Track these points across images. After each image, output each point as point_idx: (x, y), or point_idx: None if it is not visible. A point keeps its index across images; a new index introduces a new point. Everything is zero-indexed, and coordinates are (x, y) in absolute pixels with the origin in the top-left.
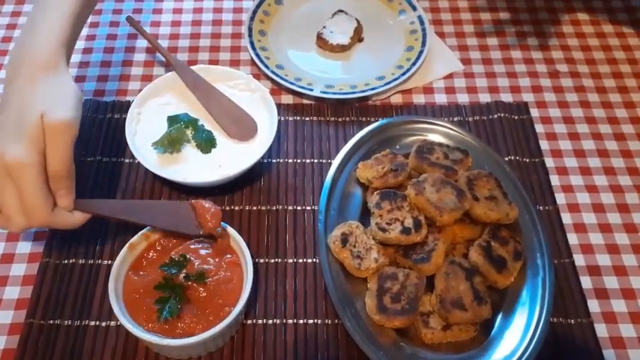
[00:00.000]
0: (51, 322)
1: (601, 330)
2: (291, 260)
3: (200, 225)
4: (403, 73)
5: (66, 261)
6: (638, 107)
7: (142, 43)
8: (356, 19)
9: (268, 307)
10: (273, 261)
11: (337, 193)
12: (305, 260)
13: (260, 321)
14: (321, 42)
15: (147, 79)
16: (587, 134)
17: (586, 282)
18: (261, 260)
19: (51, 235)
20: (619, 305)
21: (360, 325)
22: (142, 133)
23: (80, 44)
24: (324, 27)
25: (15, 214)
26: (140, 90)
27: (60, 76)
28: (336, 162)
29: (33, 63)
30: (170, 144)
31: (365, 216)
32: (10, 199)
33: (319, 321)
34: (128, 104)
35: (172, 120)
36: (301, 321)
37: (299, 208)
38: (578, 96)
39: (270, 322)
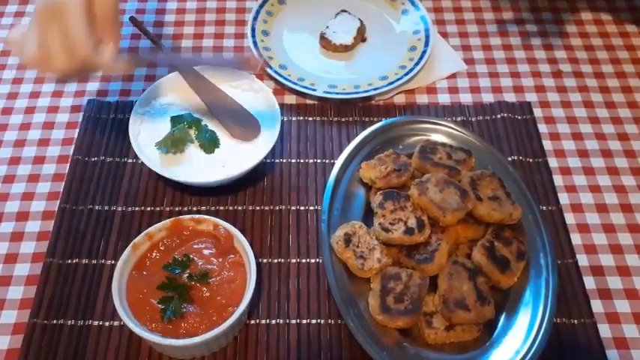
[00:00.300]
0: (54, 322)
1: (604, 330)
2: (294, 260)
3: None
4: (406, 73)
5: (69, 261)
6: None
7: (145, 43)
8: (359, 19)
9: (271, 307)
10: (276, 261)
11: (340, 193)
12: (308, 260)
13: (263, 321)
14: (325, 42)
15: (150, 79)
16: (591, 134)
17: (589, 282)
18: (265, 260)
19: (54, 236)
20: (622, 305)
21: (363, 325)
22: (146, 134)
23: None
24: (327, 27)
25: (57, 50)
26: (144, 90)
27: None
28: (339, 162)
29: None
30: (173, 144)
31: (368, 216)
32: (54, 36)
33: (322, 321)
34: (132, 104)
35: (176, 120)
36: (304, 321)
37: (302, 208)
38: (582, 96)
39: (274, 322)
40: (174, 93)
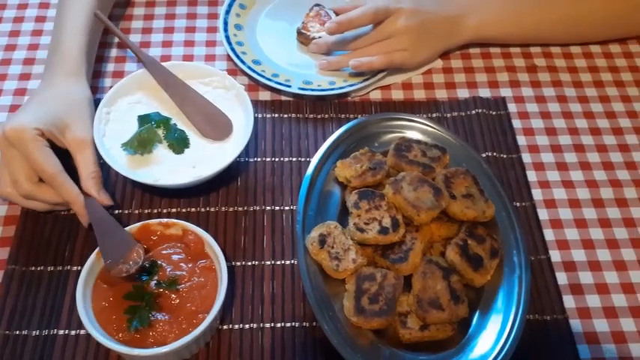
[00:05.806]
0: (17, 332)
1: (576, 325)
2: (268, 262)
3: None
4: (382, 69)
5: (33, 268)
6: (613, 102)
7: (113, 37)
8: (335, 13)
9: (245, 311)
10: (250, 264)
11: (316, 192)
12: (283, 262)
13: (236, 326)
14: (302, 37)
15: (118, 75)
16: (564, 129)
17: (561, 278)
18: (238, 263)
19: (17, 242)
20: (593, 300)
21: (338, 327)
22: (111, 134)
23: (48, 39)
24: (303, 22)
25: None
26: (110, 87)
27: (80, 83)
28: (314, 161)
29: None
30: (141, 145)
31: (344, 215)
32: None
33: (297, 324)
34: (97, 102)
35: (143, 119)
36: (278, 324)
37: (277, 208)
38: (555, 90)
39: (247, 326)
40: (142, 91)
